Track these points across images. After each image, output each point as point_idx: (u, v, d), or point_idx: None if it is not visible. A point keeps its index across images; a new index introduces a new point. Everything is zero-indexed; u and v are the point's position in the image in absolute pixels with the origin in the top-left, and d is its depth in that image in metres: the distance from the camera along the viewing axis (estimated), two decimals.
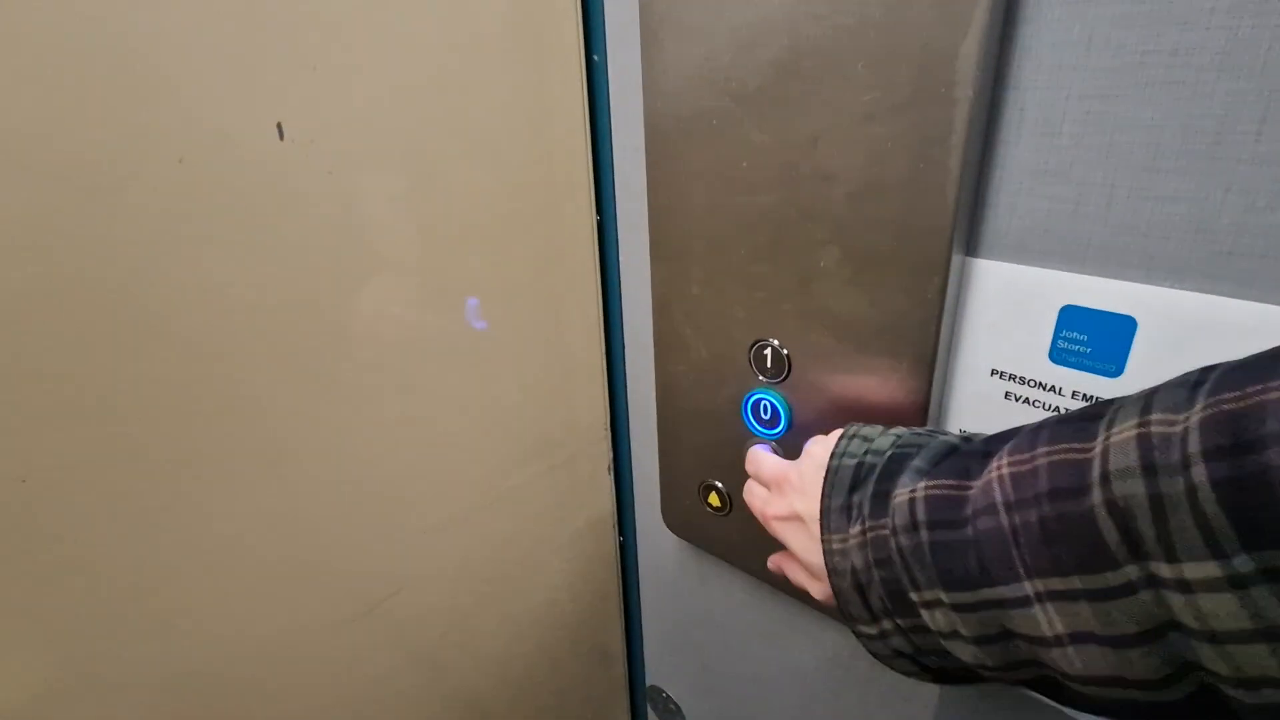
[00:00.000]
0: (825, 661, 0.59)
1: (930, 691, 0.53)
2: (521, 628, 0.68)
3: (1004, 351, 0.39)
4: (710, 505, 0.58)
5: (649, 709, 0.84)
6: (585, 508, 0.70)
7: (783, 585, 0.54)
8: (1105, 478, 0.22)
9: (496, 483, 0.61)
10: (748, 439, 0.52)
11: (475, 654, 0.65)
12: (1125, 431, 0.22)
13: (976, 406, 0.42)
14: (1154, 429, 0.21)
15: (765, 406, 0.50)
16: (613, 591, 0.78)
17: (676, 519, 0.63)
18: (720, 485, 0.57)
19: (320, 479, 0.49)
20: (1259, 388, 0.19)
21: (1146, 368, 0.34)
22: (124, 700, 0.43)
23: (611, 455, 0.70)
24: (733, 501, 0.56)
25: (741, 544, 0.57)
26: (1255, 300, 0.30)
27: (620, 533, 0.75)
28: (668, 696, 0.80)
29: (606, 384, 0.67)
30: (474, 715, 0.67)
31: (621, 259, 0.61)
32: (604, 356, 0.66)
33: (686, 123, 0.46)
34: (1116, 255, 0.34)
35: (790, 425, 0.49)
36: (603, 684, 0.82)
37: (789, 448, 0.50)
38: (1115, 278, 0.34)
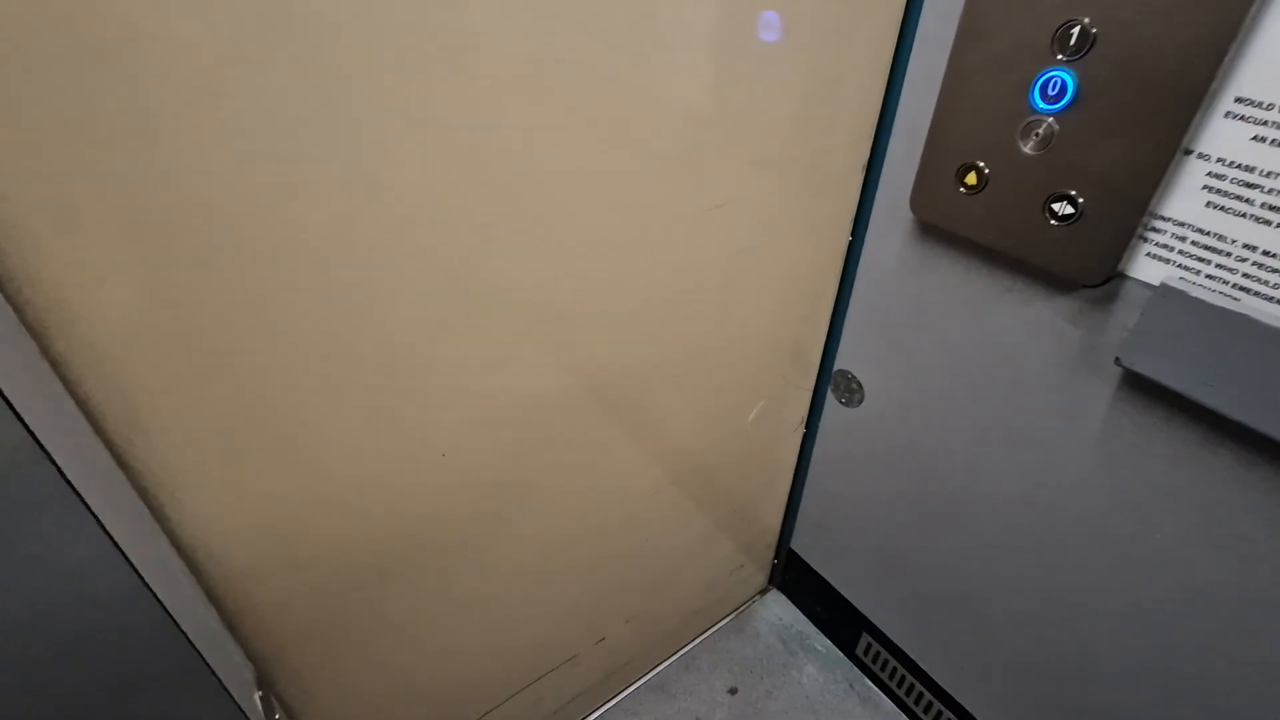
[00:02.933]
0: (1023, 328, 0.75)
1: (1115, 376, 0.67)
2: (734, 319, 0.85)
3: None
4: (965, 185, 0.72)
5: (829, 390, 1.05)
6: (827, 203, 0.85)
7: (1017, 252, 0.68)
8: None
9: (745, 172, 0.72)
10: (1025, 115, 0.64)
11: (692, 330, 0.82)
12: None
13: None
14: None
15: (1055, 83, 0.61)
16: (828, 290, 0.95)
17: (924, 200, 0.77)
18: (981, 164, 0.70)
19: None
20: None
21: None
22: None
23: (869, 154, 0.84)
24: (989, 179, 0.69)
25: (986, 218, 0.71)
26: None
27: (851, 232, 0.91)
28: (851, 376, 1.00)
29: (885, 88, 0.79)
30: (680, 373, 0.85)
31: None
32: (891, 56, 0.77)
33: None
34: None
35: (1074, 100, 0.60)
36: (797, 368, 1.02)
37: (1065, 122, 0.62)
38: None
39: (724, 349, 0.87)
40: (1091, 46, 0.58)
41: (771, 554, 1.34)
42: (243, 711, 0.52)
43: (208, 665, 0.47)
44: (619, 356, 0.76)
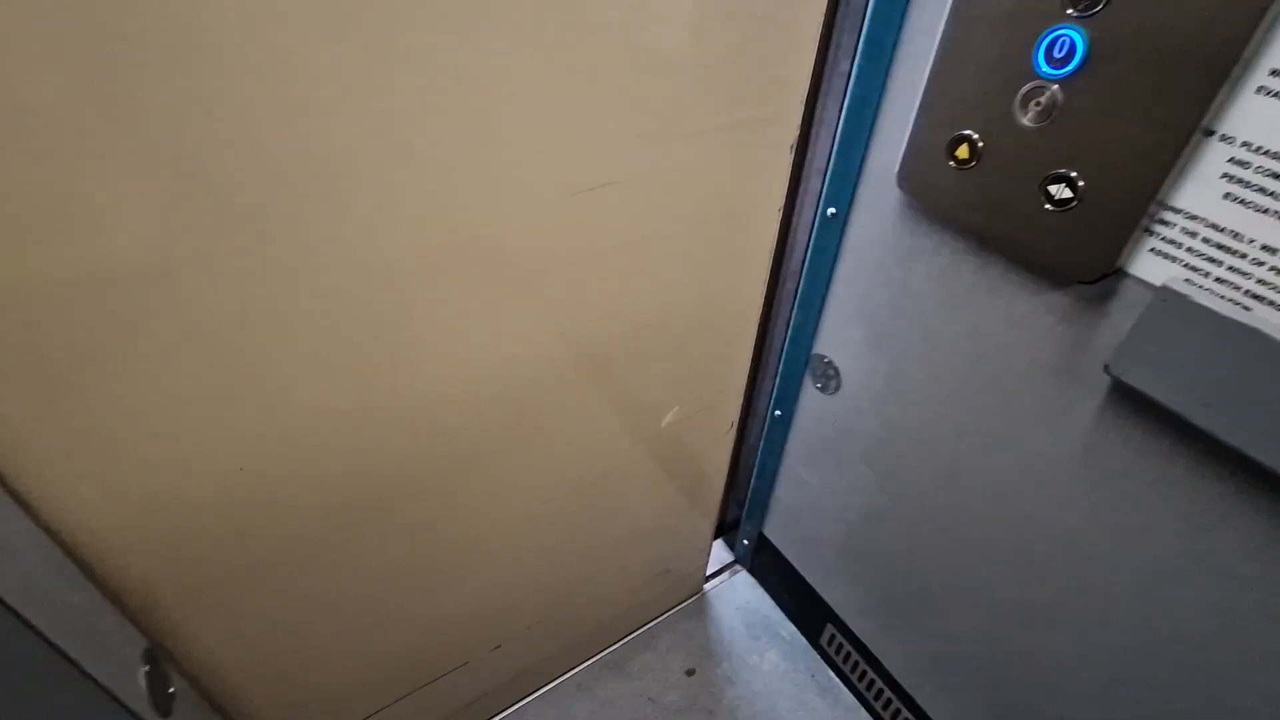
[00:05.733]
0: (1009, 323, 0.67)
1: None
2: (637, 316, 0.74)
3: None
4: (956, 159, 0.64)
5: (806, 376, 0.99)
6: (748, 185, 0.72)
7: (1007, 238, 0.61)
8: None
9: (632, 148, 0.60)
10: (1027, 80, 0.56)
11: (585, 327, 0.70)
12: None
13: None
14: None
15: (1063, 43, 0.52)
16: (755, 284, 0.83)
17: (912, 177, 0.69)
18: (974, 135, 0.61)
19: None
20: None
21: None
22: None
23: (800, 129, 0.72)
24: (982, 154, 0.61)
25: (976, 198, 0.63)
26: None
27: (813, 210, 0.83)
28: (829, 361, 0.93)
29: (818, 51, 0.68)
30: (579, 375, 0.74)
31: None
32: (824, 13, 0.64)
33: None
34: None
35: (1082, 63, 0.52)
36: (722, 369, 0.91)
37: (1069, 90, 0.53)
38: None
39: (627, 349, 0.76)
40: (1107, 2, 0.49)
41: (705, 558, 1.26)
42: (104, 689, 0.48)
43: (48, 641, 0.43)
44: (496, 353, 0.65)
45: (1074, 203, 0.56)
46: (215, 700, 0.72)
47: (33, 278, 0.41)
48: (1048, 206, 0.57)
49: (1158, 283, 0.54)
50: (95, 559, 0.54)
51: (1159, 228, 0.53)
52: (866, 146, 0.76)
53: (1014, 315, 0.66)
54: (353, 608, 0.76)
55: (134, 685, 0.54)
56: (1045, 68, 0.54)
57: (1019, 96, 0.57)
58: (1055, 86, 0.54)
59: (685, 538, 1.16)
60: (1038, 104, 0.56)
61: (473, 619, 0.90)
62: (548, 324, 0.67)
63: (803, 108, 0.69)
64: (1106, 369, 0.58)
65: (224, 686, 0.71)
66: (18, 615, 0.42)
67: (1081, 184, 0.55)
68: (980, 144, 0.61)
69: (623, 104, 0.56)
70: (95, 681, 0.48)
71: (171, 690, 0.61)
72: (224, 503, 0.58)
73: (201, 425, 0.52)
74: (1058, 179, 0.56)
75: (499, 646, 0.99)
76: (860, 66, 0.72)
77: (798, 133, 0.70)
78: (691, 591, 1.30)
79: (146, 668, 0.58)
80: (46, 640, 0.44)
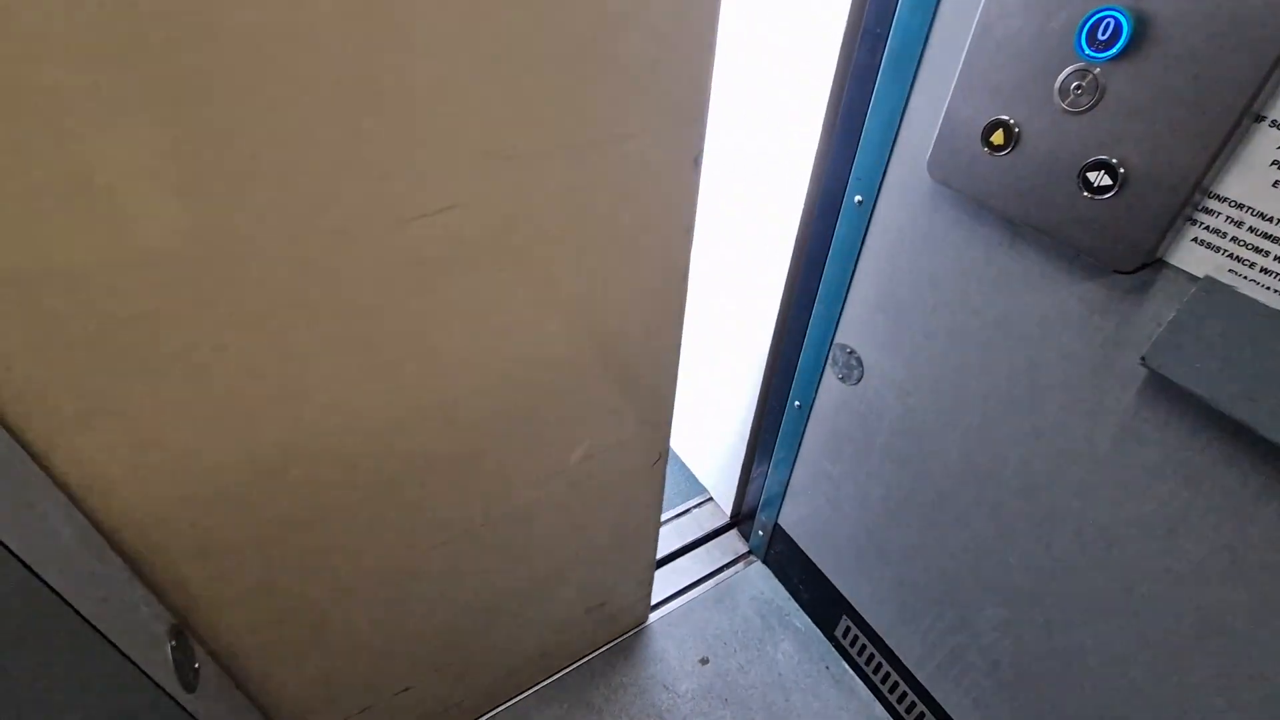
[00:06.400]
0: (1041, 314, 0.66)
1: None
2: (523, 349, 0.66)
3: None
4: (990, 145, 0.62)
5: (828, 366, 0.98)
6: (638, 208, 0.63)
7: (1042, 226, 0.59)
8: None
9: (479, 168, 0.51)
10: (1068, 63, 0.54)
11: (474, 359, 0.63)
12: None
13: None
14: None
15: (1107, 24, 0.51)
16: (668, 308, 0.74)
17: (944, 163, 0.68)
18: (1011, 120, 0.60)
19: None
20: None
21: None
22: None
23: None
24: (1018, 139, 0.60)
25: (1011, 185, 0.62)
26: None
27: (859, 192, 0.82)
28: (851, 351, 0.92)
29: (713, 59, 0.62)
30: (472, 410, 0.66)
31: None
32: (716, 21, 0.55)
33: None
34: None
35: (1127, 46, 0.50)
36: (634, 401, 0.81)
37: (1112, 73, 0.52)
38: None
39: (516, 385, 0.67)
40: None
41: (647, 589, 1.16)
42: (133, 663, 0.49)
43: (81, 616, 0.44)
44: (364, 392, 0.58)
45: (1113, 190, 0.54)
46: (237, 678, 0.73)
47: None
48: (1086, 194, 0.56)
49: (1200, 274, 0.53)
50: (123, 534, 0.54)
51: (1202, 216, 0.52)
52: (897, 133, 0.74)
53: (1046, 306, 0.65)
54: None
55: (161, 660, 0.55)
56: (1087, 50, 0.53)
57: (1059, 80, 0.55)
58: (1097, 70, 0.53)
59: (619, 572, 1.06)
60: (1078, 88, 0.54)
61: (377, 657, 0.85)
62: (404, 366, 0.59)
63: (706, 119, 0.59)
64: (1143, 361, 0.56)
65: (246, 665, 0.72)
66: (52, 590, 0.42)
67: (1122, 171, 0.53)
68: (1017, 129, 0.60)
69: (459, 119, 0.47)
70: (125, 655, 0.49)
71: (196, 666, 0.62)
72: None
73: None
74: (1097, 165, 0.55)
75: (408, 689, 0.93)
76: (892, 50, 0.71)
77: (703, 147, 0.60)
78: (633, 624, 1.23)
79: (173, 643, 0.58)
80: (79, 614, 0.44)
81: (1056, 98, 0.56)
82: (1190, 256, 0.53)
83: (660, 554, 1.36)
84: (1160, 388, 0.59)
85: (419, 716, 0.99)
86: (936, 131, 0.67)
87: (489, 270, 0.57)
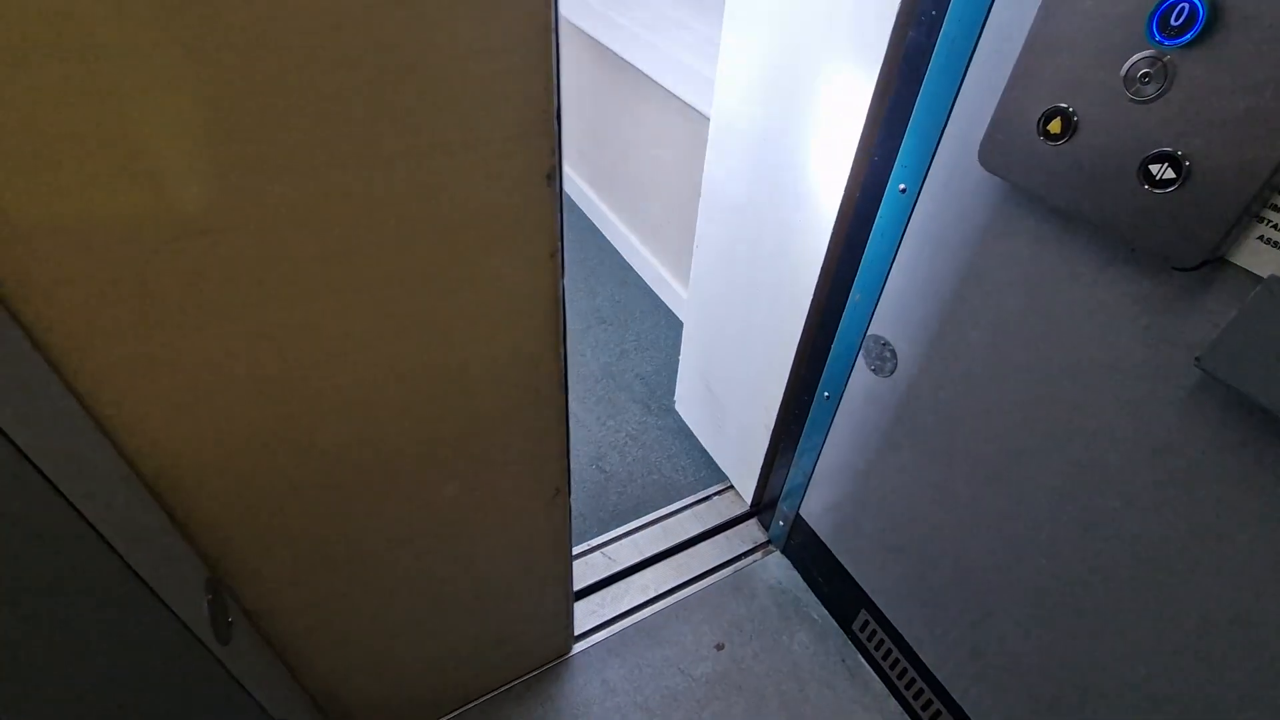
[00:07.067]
0: (1089, 310, 0.64)
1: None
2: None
3: None
4: (1047, 133, 0.60)
5: (860, 356, 0.97)
6: (470, 235, 0.56)
7: (1098, 219, 0.57)
8: None
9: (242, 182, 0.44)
10: (1137, 49, 0.52)
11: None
12: None
13: None
14: None
15: (1182, 9, 0.49)
16: (539, 330, 0.67)
17: (996, 151, 0.66)
18: (1070, 108, 0.58)
19: None
20: None
21: None
22: None
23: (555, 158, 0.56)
24: (1077, 128, 0.58)
25: (1067, 175, 0.60)
26: None
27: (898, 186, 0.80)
28: (886, 343, 0.91)
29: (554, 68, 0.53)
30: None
31: None
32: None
33: None
34: None
35: (1202, 32, 0.48)
36: (510, 436, 0.74)
37: (1184, 60, 0.50)
38: None
39: (367, 415, 0.61)
40: None
41: (564, 621, 1.09)
42: (172, 611, 0.50)
43: (127, 564, 0.45)
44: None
45: (1176, 183, 0.52)
46: (267, 635, 0.74)
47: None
48: (1146, 187, 0.54)
49: (1264, 273, 0.51)
50: (163, 486, 0.55)
51: (1271, 214, 0.50)
52: (947, 118, 0.72)
53: (1096, 302, 0.63)
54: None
55: (199, 611, 0.57)
56: (1159, 36, 0.51)
57: (1126, 67, 0.53)
58: (1168, 57, 0.51)
59: (532, 605, 1.00)
60: (1146, 76, 0.52)
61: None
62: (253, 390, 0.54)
63: (557, 131, 0.52)
64: (1197, 362, 0.54)
65: (276, 622, 0.74)
66: (101, 536, 0.44)
67: (1187, 163, 0.51)
68: (1076, 118, 0.58)
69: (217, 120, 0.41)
70: (165, 604, 0.50)
71: (230, 620, 0.63)
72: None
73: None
74: (1160, 158, 0.53)
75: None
76: (948, 33, 0.69)
77: (556, 162, 0.53)
78: (551, 657, 1.16)
79: (209, 596, 0.60)
80: (124, 561, 0.46)
81: (1121, 85, 0.54)
82: (1255, 256, 0.51)
83: (678, 540, 1.37)
84: (1214, 391, 0.57)
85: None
86: (990, 118, 0.65)
87: (310, 285, 0.51)
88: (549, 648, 1.13)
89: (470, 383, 0.65)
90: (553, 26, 0.47)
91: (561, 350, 0.68)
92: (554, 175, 0.54)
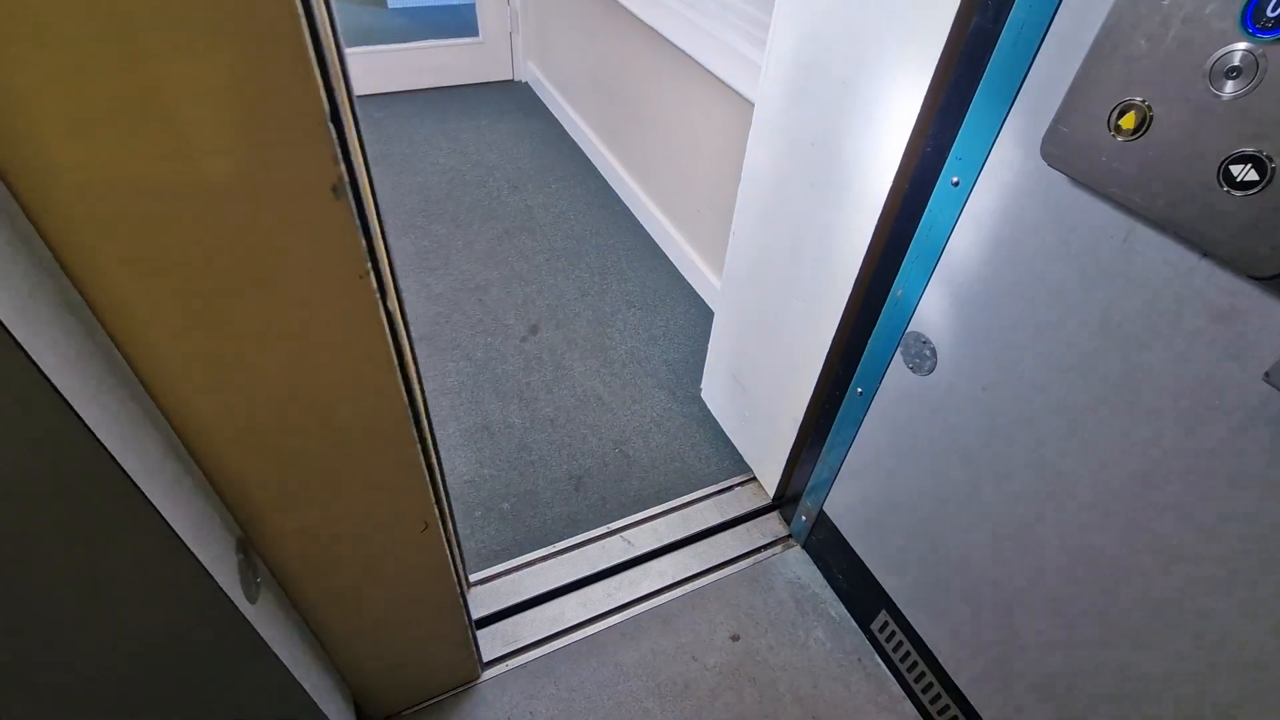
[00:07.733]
0: (1150, 316, 0.61)
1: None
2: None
3: None
4: (1119, 129, 0.57)
5: (898, 353, 0.94)
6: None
7: (1169, 221, 0.55)
8: None
9: None
10: (1226, 42, 0.49)
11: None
12: None
13: None
14: None
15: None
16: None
17: (1062, 146, 0.63)
18: (1146, 102, 0.55)
19: None
20: None
21: None
22: None
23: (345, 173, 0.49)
24: (1152, 124, 0.55)
25: (1138, 173, 0.57)
26: None
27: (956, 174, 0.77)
28: (925, 340, 0.88)
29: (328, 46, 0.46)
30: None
31: None
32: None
33: None
34: None
35: None
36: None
37: (1276, 56, 0.47)
38: None
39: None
40: None
41: (465, 651, 1.04)
42: (204, 568, 0.51)
43: (161, 517, 0.45)
44: None
45: (1259, 186, 0.49)
46: (292, 597, 0.75)
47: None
48: (1225, 189, 0.51)
49: None
50: (200, 447, 0.56)
51: None
52: (1008, 109, 0.69)
53: (1158, 308, 0.61)
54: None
55: (229, 570, 0.57)
56: (1252, 28, 0.48)
57: (1212, 60, 0.50)
58: (1260, 50, 0.48)
59: (424, 634, 0.96)
60: (1234, 70, 0.49)
61: None
62: None
63: (335, 137, 0.44)
64: (1266, 377, 0.52)
65: (299, 585, 0.74)
66: (140, 491, 0.44)
67: (1273, 165, 0.48)
68: (1151, 113, 0.55)
69: None
70: (198, 561, 0.51)
71: (258, 580, 0.64)
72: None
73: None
74: (1245, 158, 0.50)
75: None
76: (1016, 18, 0.66)
77: (340, 172, 0.46)
78: (455, 683, 1.11)
79: (240, 555, 0.61)
80: (161, 516, 0.46)
81: (1204, 80, 0.51)
82: None
83: (697, 529, 1.36)
84: None
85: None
86: (1056, 110, 0.62)
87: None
88: (453, 674, 1.08)
89: (297, 416, 0.58)
90: (301, 14, 0.38)
91: (400, 380, 0.61)
92: (341, 189, 0.46)
